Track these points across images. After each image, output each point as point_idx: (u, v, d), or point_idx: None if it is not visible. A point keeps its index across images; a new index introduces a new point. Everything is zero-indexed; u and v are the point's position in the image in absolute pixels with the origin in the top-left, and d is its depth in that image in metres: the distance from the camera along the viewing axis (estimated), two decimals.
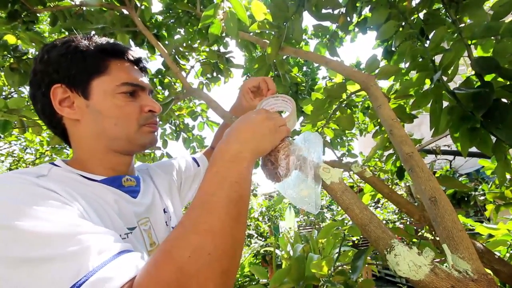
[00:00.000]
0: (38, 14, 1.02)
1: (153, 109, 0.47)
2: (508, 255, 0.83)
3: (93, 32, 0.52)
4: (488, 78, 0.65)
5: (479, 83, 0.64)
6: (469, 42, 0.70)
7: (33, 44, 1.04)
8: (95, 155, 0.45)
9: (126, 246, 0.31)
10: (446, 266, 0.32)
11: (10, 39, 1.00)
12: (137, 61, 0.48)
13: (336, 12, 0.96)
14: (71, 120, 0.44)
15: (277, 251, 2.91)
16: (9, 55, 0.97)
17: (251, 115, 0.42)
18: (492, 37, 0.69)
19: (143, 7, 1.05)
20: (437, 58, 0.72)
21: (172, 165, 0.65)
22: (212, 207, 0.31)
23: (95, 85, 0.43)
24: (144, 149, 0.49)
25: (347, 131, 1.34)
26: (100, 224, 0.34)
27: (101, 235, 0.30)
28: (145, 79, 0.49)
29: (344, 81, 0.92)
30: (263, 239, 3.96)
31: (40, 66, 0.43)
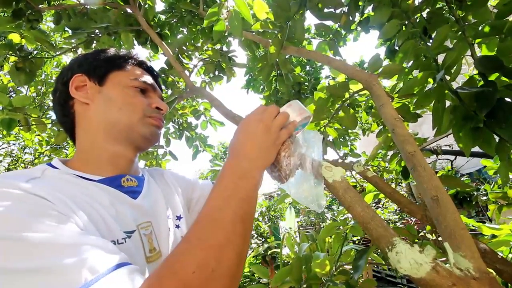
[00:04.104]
0: (42, 13, 1.03)
1: (160, 107, 0.49)
2: (510, 255, 0.83)
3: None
4: (491, 77, 0.65)
5: (482, 83, 0.63)
6: (473, 41, 0.70)
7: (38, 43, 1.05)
8: (98, 144, 0.44)
9: (123, 258, 0.29)
10: (448, 265, 0.32)
11: (15, 38, 1.01)
12: (153, 72, 0.53)
13: (338, 11, 0.96)
14: (82, 104, 0.46)
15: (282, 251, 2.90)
16: (14, 54, 0.98)
17: (252, 125, 0.40)
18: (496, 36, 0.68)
19: (147, 6, 1.06)
20: (441, 57, 0.71)
21: (185, 179, 0.61)
22: (218, 223, 0.31)
23: (111, 77, 0.47)
24: (145, 142, 0.47)
25: (350, 131, 1.34)
26: (93, 230, 0.33)
27: (96, 246, 0.28)
28: (159, 91, 0.53)
29: (346, 80, 0.92)
30: (263, 239, 3.96)
31: (67, 66, 0.48)
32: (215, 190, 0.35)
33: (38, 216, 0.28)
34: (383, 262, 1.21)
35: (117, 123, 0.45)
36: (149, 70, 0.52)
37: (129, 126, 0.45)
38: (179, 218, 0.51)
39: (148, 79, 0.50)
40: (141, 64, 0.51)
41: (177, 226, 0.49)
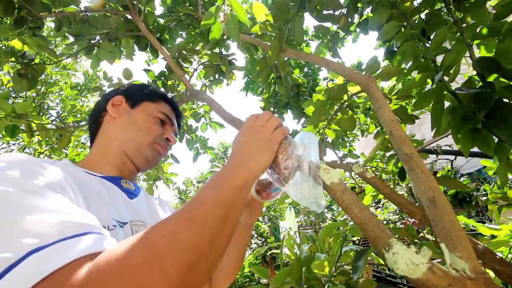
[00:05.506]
0: (43, 20, 1.04)
1: (170, 139, 0.58)
2: (510, 256, 0.83)
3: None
4: (490, 78, 0.65)
5: (481, 84, 0.64)
6: (471, 42, 0.70)
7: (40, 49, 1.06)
8: (110, 149, 0.52)
9: (105, 232, 0.30)
10: (445, 265, 0.33)
11: (17, 45, 1.03)
12: (178, 113, 0.64)
13: (337, 13, 0.96)
14: (111, 117, 0.55)
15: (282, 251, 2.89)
16: (16, 61, 0.99)
17: (243, 133, 0.44)
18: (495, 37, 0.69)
19: (146, 11, 1.07)
20: (440, 58, 0.72)
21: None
22: (200, 202, 0.32)
23: (143, 105, 0.57)
24: (145, 163, 0.54)
25: (348, 132, 1.34)
26: (86, 209, 0.35)
27: (81, 217, 0.30)
28: (175, 127, 0.62)
29: (345, 82, 0.93)
30: (263, 239, 3.96)
31: (117, 88, 0.59)
32: (206, 183, 0.37)
33: (35, 180, 0.31)
34: (382, 263, 1.21)
35: (132, 140, 0.53)
36: (176, 111, 0.62)
37: (140, 145, 0.53)
38: None
39: (170, 114, 0.59)
40: (171, 104, 0.61)
41: None
